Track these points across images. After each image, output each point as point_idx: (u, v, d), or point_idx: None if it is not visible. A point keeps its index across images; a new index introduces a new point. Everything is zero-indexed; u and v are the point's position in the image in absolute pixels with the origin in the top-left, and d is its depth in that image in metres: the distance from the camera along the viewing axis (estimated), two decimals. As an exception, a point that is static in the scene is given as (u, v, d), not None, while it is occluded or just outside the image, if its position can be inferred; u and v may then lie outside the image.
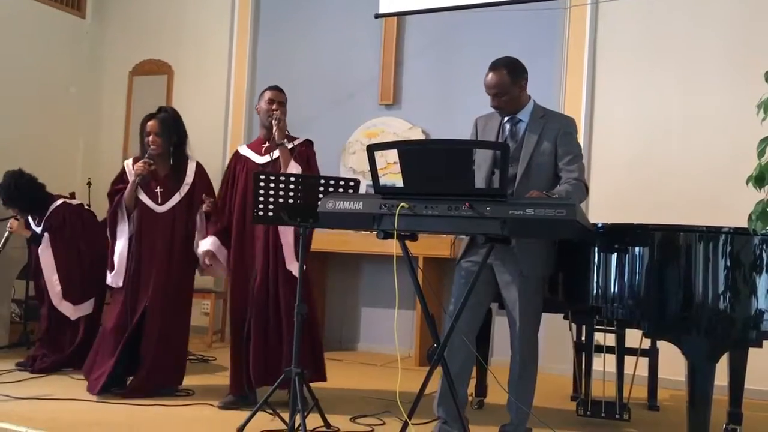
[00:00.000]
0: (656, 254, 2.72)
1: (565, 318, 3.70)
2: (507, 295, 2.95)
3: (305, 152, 3.71)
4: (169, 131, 3.85)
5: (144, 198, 3.84)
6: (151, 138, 3.82)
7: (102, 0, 6.80)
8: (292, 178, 3.15)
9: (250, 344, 3.60)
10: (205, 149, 6.09)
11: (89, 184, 5.96)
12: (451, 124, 5.34)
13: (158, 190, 3.84)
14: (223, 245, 3.76)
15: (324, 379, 3.75)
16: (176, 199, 3.85)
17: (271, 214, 3.17)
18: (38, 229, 4.41)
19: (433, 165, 2.49)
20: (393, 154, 4.86)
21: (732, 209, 4.40)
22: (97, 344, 3.86)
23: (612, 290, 2.81)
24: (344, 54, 5.90)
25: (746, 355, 3.29)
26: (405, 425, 2.62)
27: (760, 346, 2.86)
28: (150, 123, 3.85)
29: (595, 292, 2.85)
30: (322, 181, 3.16)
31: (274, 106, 3.68)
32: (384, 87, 5.73)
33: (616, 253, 2.80)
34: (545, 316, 3.98)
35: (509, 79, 2.98)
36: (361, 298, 5.74)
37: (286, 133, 3.68)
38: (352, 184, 3.16)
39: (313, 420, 3.18)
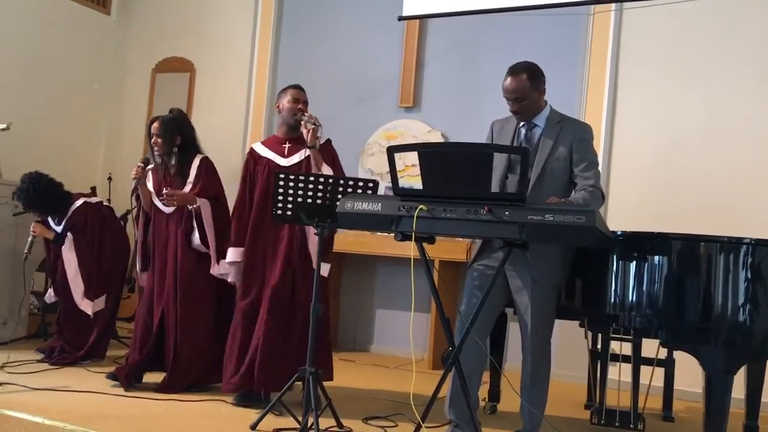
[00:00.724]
0: (676, 264, 2.70)
1: (581, 325, 3.67)
2: (519, 299, 2.94)
3: (330, 152, 3.66)
4: (171, 132, 3.88)
5: (155, 200, 3.95)
6: (153, 140, 3.90)
7: (127, -3, 6.88)
8: (312, 178, 3.16)
9: (261, 343, 3.53)
10: (225, 147, 6.15)
11: (110, 179, 6.03)
12: (470, 128, 5.33)
13: (164, 192, 3.87)
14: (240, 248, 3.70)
15: (330, 378, 3.74)
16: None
17: (290, 213, 3.18)
18: (58, 229, 4.44)
19: (452, 168, 2.49)
20: (411, 157, 4.91)
21: (754, 220, 4.41)
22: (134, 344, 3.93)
23: (630, 299, 2.79)
24: (365, 55, 5.91)
25: (764, 368, 3.25)
26: (418, 427, 2.61)
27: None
28: (154, 125, 3.92)
29: (612, 300, 2.84)
30: (341, 182, 3.16)
31: (300, 106, 3.64)
32: (404, 89, 5.73)
33: (635, 262, 2.78)
34: (561, 323, 3.96)
35: (529, 83, 2.98)
36: (375, 299, 5.74)
37: (318, 135, 3.59)
38: (370, 185, 3.16)
39: (326, 420, 3.19)
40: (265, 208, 3.59)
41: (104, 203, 4.71)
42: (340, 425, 3.23)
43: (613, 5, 4.90)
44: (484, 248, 3.00)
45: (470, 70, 5.55)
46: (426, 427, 3.14)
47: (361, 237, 5.20)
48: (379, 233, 4.96)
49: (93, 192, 4.76)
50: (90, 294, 4.35)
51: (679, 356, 3.44)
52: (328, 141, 3.72)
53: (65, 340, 4.37)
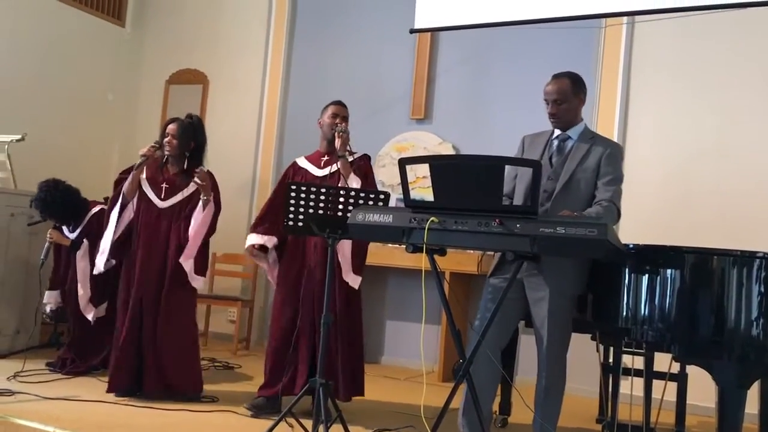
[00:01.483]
0: (689, 277, 2.69)
1: (593, 339, 3.66)
2: (536, 312, 2.93)
3: (364, 166, 3.79)
4: (186, 136, 3.92)
5: (148, 191, 3.91)
6: (168, 139, 3.91)
7: (141, 10, 6.95)
8: (323, 190, 3.18)
9: (299, 352, 3.63)
10: (237, 159, 6.21)
11: (123, 189, 6.07)
12: (481, 140, 5.35)
13: (164, 185, 3.90)
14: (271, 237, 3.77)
15: (362, 393, 3.78)
16: (179, 197, 3.89)
17: (301, 224, 3.20)
18: (72, 236, 4.46)
19: (464, 180, 2.49)
20: (422, 169, 4.93)
21: (767, 233, 4.37)
22: (116, 348, 3.89)
23: (642, 312, 2.77)
24: (377, 67, 5.94)
25: (779, 382, 3.23)
26: (429, 440, 2.60)
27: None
28: (170, 126, 3.95)
29: (625, 313, 2.82)
30: (353, 194, 3.17)
31: (338, 120, 3.75)
32: (416, 101, 5.75)
33: (647, 275, 2.76)
34: (573, 336, 3.94)
35: (571, 87, 3.03)
36: (386, 311, 5.73)
37: (348, 148, 3.73)
38: (382, 197, 3.17)
39: (336, 431, 3.18)
40: None
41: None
42: (350, 437, 3.22)
43: (624, 18, 4.90)
44: (501, 262, 3.01)
45: (481, 82, 5.56)
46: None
47: (372, 248, 5.17)
48: (389, 245, 4.96)
49: (106, 202, 4.77)
50: (95, 300, 4.36)
51: (692, 370, 3.41)
52: (365, 156, 3.85)
53: (76, 353, 4.37)
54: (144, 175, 3.94)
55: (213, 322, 5.96)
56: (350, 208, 3.08)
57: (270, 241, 3.76)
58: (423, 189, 4.85)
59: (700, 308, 2.65)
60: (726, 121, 4.72)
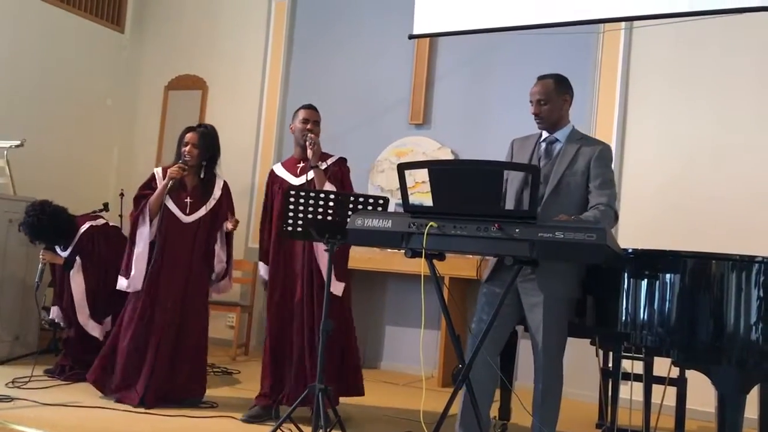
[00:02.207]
0: (687, 282, 2.68)
1: (592, 344, 3.65)
2: (531, 318, 2.93)
3: (339, 172, 3.76)
4: (206, 145, 3.95)
5: (172, 206, 3.92)
6: (188, 148, 3.92)
7: (140, 15, 6.96)
8: (322, 195, 3.18)
9: (288, 361, 3.64)
10: (236, 165, 6.19)
11: (122, 195, 6.06)
12: (480, 145, 5.36)
13: (188, 200, 3.92)
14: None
15: (362, 393, 3.80)
16: (203, 211, 3.93)
17: (299, 229, 3.19)
18: (65, 254, 4.45)
19: (463, 185, 2.49)
20: (421, 174, 4.93)
21: (766, 237, 4.37)
22: (125, 356, 3.86)
23: (641, 317, 2.77)
24: (376, 73, 5.95)
25: (778, 387, 3.22)
26: (428, 446, 2.60)
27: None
28: (189, 134, 3.96)
29: (624, 318, 2.82)
30: (352, 199, 3.17)
31: (308, 126, 3.72)
32: (414, 106, 5.76)
33: (646, 280, 2.76)
34: (572, 341, 3.94)
35: (555, 88, 3.02)
36: (385, 316, 5.73)
37: (323, 153, 3.72)
38: (381, 202, 3.17)
39: (335, 437, 3.18)
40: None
41: (110, 224, 4.70)
42: (349, 443, 3.22)
43: (622, 24, 4.91)
44: (497, 268, 3.00)
45: (480, 87, 5.57)
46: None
47: (370, 254, 5.20)
48: (388, 250, 4.96)
49: (105, 208, 4.78)
50: (97, 317, 4.35)
51: (692, 375, 3.40)
52: (341, 160, 3.81)
53: (74, 360, 4.36)
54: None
55: (212, 328, 5.83)
56: (349, 213, 3.07)
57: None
58: (422, 194, 4.86)
59: (699, 313, 2.65)
60: (724, 126, 4.72)
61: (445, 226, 2.49)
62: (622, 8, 4.35)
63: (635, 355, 3.52)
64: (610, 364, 3.59)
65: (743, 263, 2.62)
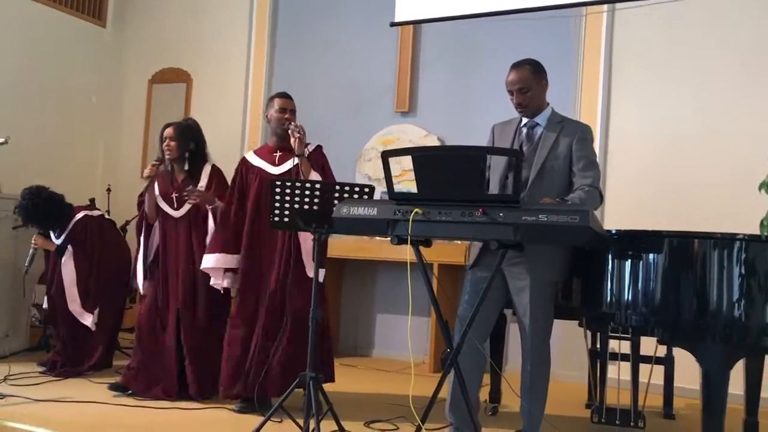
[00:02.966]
0: (670, 261, 2.72)
1: (580, 325, 3.69)
2: (518, 301, 2.96)
3: (320, 158, 3.74)
4: (184, 138, 3.94)
5: (162, 204, 3.97)
6: (166, 143, 3.93)
7: (122, 9, 6.91)
8: (308, 185, 3.18)
9: (258, 351, 3.59)
10: (222, 157, 6.10)
11: (109, 190, 6.05)
12: (466, 131, 5.36)
13: (174, 195, 3.93)
14: (228, 254, 3.72)
15: (332, 379, 3.78)
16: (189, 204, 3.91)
17: (287, 219, 3.20)
18: (58, 241, 4.45)
19: (446, 171, 2.50)
20: (408, 161, 4.92)
21: (750, 216, 4.42)
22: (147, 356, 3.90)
23: (626, 297, 2.80)
24: (360, 62, 5.94)
25: (763, 364, 3.27)
26: (418, 429, 2.63)
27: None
28: (167, 129, 3.97)
29: (609, 298, 2.85)
30: (338, 188, 3.18)
31: (287, 116, 3.70)
32: (400, 94, 5.76)
33: (630, 260, 2.80)
34: (560, 323, 3.97)
35: (533, 75, 3.03)
36: (376, 304, 5.76)
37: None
38: (366, 190, 3.18)
39: (327, 425, 3.20)
40: (258, 216, 3.66)
41: (105, 216, 4.73)
42: (341, 429, 3.24)
43: (605, 6, 4.93)
44: (483, 252, 3.02)
45: (464, 73, 5.58)
46: (427, 429, 3.16)
47: (361, 242, 5.22)
48: (378, 238, 4.98)
49: (92, 204, 4.77)
50: (89, 307, 4.36)
51: (679, 354, 3.46)
52: (318, 148, 3.78)
53: (67, 356, 4.36)
54: (157, 192, 3.98)
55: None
56: (335, 202, 3.08)
57: (234, 261, 3.71)
58: (410, 182, 4.85)
59: (683, 291, 2.69)
60: (708, 105, 4.75)
61: (430, 212, 2.51)
62: (603, -9, 4.36)
63: (622, 335, 3.56)
64: (598, 345, 3.63)
65: (725, 241, 2.65)
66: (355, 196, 3.18)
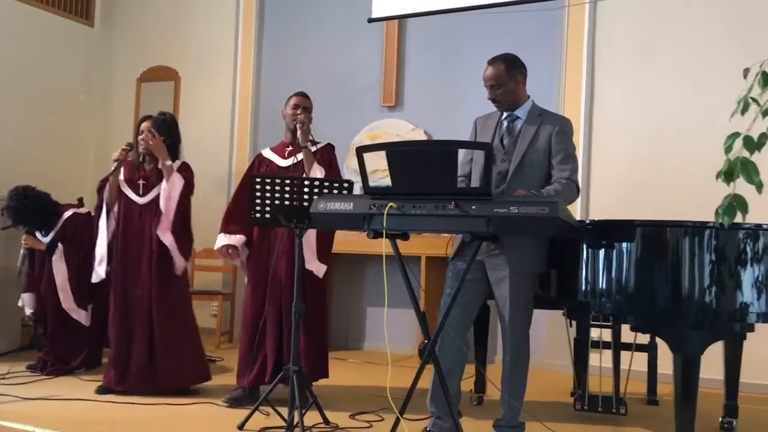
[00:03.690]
0: (642, 249, 2.75)
1: (564, 315, 3.73)
2: (498, 292, 2.99)
3: (328, 155, 3.84)
4: (160, 132, 3.95)
5: (126, 190, 3.97)
6: (142, 136, 3.96)
7: (109, 8, 6.92)
8: (287, 181, 3.22)
9: (266, 341, 3.69)
10: (212, 153, 6.23)
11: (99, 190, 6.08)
12: (453, 124, 5.38)
13: (140, 182, 3.96)
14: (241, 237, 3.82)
15: (326, 375, 3.84)
16: (156, 192, 3.93)
17: (268, 216, 3.24)
18: (46, 240, 4.48)
19: (419, 165, 2.54)
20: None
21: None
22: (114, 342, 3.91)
23: (600, 285, 2.84)
24: (347, 58, 5.97)
25: (741, 349, 3.32)
26: (397, 421, 2.67)
27: (743, 337, 2.88)
28: (144, 123, 4.00)
29: (584, 287, 2.89)
30: (317, 183, 3.22)
31: (298, 111, 3.80)
32: (386, 89, 5.79)
33: (603, 249, 2.83)
34: (547, 313, 4.03)
35: (506, 71, 3.06)
36: (366, 297, 5.80)
37: (310, 137, 3.79)
38: (346, 185, 3.22)
39: (313, 417, 3.25)
40: None
41: (92, 214, 4.75)
42: (326, 422, 3.29)
43: (586, -3, 4.95)
44: (464, 243, 3.05)
45: (450, 67, 5.60)
46: (411, 419, 3.22)
47: (349, 237, 5.23)
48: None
49: (80, 202, 4.81)
50: (83, 303, 4.40)
51: (662, 341, 3.50)
52: (329, 146, 3.91)
53: (56, 355, 4.40)
54: (122, 177, 4.00)
55: (196, 317, 6.01)
56: (315, 197, 3.12)
57: (239, 240, 3.80)
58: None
59: (655, 279, 2.72)
60: (691, 95, 4.77)
61: (404, 206, 2.55)
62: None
63: (604, 323, 3.61)
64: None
65: (695, 229, 2.69)
66: (335, 191, 3.22)
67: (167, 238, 3.84)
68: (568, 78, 5.14)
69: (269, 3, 6.35)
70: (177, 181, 3.88)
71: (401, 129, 5.70)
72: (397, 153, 2.60)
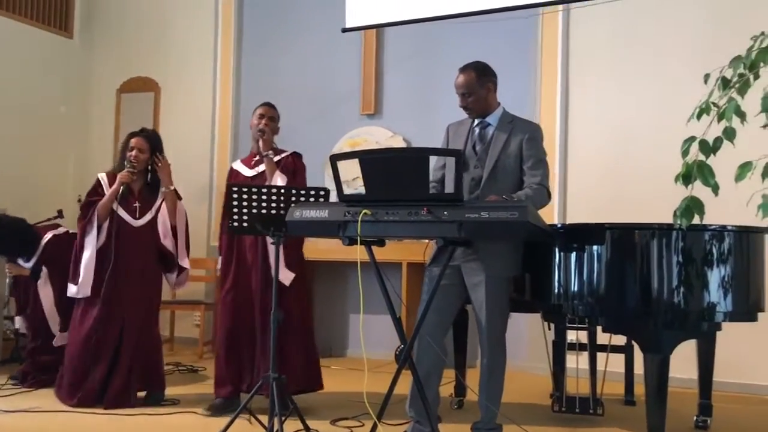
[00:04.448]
0: (612, 252, 2.81)
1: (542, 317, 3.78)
2: (474, 297, 3.04)
3: (292, 164, 3.85)
4: (151, 150, 3.98)
5: (122, 212, 3.96)
6: (134, 153, 3.95)
7: (88, 20, 6.93)
8: (264, 189, 3.25)
9: (242, 350, 3.71)
10: (192, 164, 6.23)
11: (80, 201, 6.06)
12: (431, 130, 5.40)
13: (136, 204, 3.97)
14: None
15: (321, 387, 3.87)
16: (151, 214, 3.98)
17: (245, 224, 3.26)
18: (28, 265, 4.44)
19: (392, 173, 2.58)
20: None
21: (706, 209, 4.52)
22: (76, 359, 3.87)
23: (572, 288, 2.89)
24: (326, 67, 6.02)
25: (714, 348, 3.39)
26: (374, 426, 2.70)
27: (713, 336, 2.94)
28: (135, 140, 4.00)
29: (557, 290, 2.94)
30: (294, 192, 3.25)
31: (264, 121, 3.84)
32: (365, 97, 5.85)
33: (575, 252, 2.89)
34: (526, 316, 4.07)
35: (477, 79, 3.12)
36: (349, 305, 5.83)
37: (274, 146, 3.83)
38: (322, 193, 3.25)
39: (294, 424, 3.26)
40: None
41: (69, 232, 4.72)
42: (307, 428, 3.30)
43: (560, 6, 5.02)
44: (440, 249, 3.09)
45: (428, 75, 5.67)
46: (391, 424, 3.25)
47: (331, 245, 5.23)
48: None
49: (60, 215, 4.79)
50: (63, 325, 4.37)
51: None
52: (294, 154, 3.92)
53: (38, 368, 4.36)
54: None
55: (178, 327, 6.03)
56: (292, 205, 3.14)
57: None
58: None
59: (625, 281, 2.78)
60: (661, 100, 4.85)
61: (378, 212, 2.59)
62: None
63: (580, 326, 3.66)
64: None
65: (663, 231, 2.75)
66: (312, 199, 3.25)
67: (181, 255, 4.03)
68: (543, 85, 5.22)
69: (248, 13, 6.39)
70: (183, 211, 4.04)
71: (380, 136, 5.75)
72: (370, 161, 2.64)
